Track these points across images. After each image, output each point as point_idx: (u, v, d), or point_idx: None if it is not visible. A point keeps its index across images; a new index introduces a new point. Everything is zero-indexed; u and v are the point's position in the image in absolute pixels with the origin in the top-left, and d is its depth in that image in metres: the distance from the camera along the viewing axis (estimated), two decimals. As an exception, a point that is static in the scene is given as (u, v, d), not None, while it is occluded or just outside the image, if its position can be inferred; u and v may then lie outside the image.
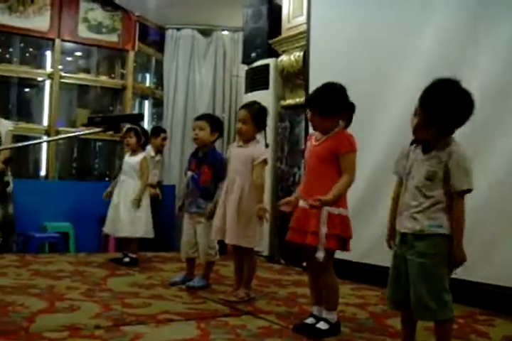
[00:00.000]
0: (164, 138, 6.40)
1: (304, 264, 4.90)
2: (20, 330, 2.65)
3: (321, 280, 2.85)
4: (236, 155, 3.66)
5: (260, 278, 4.34)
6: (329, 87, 2.86)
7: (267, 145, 3.61)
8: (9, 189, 5.28)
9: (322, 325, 2.82)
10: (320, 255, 2.69)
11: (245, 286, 3.62)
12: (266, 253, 5.73)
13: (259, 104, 3.75)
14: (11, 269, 4.39)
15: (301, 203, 2.87)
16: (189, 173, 4.00)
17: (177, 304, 3.40)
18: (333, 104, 2.81)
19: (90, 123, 2.21)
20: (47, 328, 2.69)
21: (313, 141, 2.93)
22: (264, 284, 4.21)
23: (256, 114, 3.62)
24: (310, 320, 2.90)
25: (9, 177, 5.32)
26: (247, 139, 3.64)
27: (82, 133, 3.01)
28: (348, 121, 2.88)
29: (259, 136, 3.66)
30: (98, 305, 3.26)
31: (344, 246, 2.81)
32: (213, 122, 4.01)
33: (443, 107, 2.22)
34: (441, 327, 2.31)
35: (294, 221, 2.89)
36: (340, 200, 2.78)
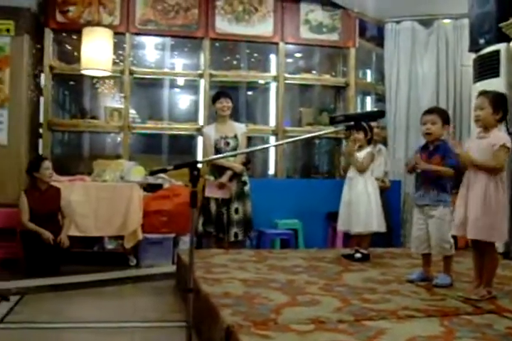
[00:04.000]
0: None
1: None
2: (269, 321, 2.79)
3: None
4: (475, 145, 3.50)
5: (498, 275, 4.09)
6: None
7: (509, 132, 3.40)
8: (247, 188, 5.59)
9: None
10: None
11: (487, 284, 3.47)
12: (501, 249, 5.43)
13: (496, 91, 3.60)
14: (250, 264, 4.64)
15: None
16: None
17: (415, 300, 3.36)
18: None
19: (332, 122, 2.26)
20: (293, 321, 2.80)
21: None
22: (503, 282, 3.99)
23: (493, 99, 3.44)
24: None
25: (246, 177, 5.63)
26: (486, 127, 3.46)
27: (325, 131, 3.11)
28: None
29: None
30: (337, 299, 3.32)
31: None
32: (444, 115, 3.92)
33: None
34: None
35: None
36: None
